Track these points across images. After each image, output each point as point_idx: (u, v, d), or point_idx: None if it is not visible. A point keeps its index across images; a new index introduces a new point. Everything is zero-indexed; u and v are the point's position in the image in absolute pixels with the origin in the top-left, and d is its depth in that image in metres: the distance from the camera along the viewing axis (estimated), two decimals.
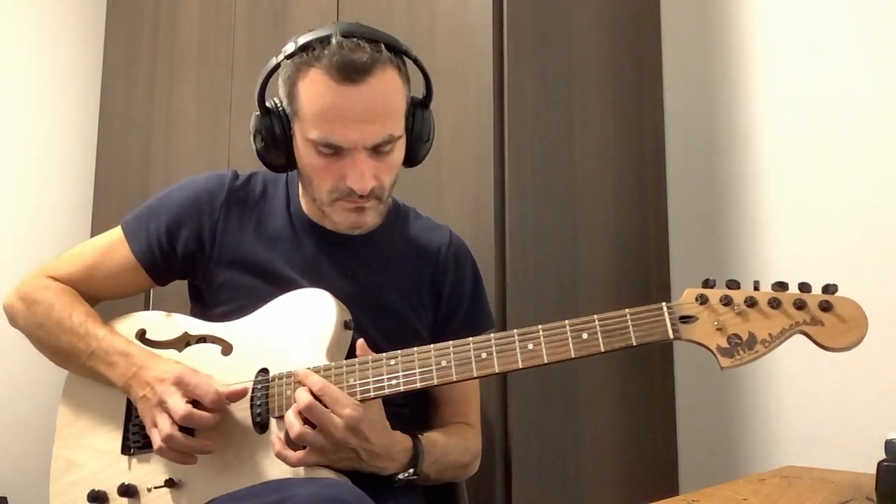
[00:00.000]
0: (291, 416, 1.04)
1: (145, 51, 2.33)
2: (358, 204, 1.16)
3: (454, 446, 1.22)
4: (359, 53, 1.08)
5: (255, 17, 2.03)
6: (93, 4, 2.60)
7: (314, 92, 1.11)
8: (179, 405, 1.06)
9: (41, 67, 2.50)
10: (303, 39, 1.12)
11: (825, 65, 1.77)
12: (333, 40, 1.09)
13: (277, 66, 1.15)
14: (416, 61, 1.18)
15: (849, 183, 1.72)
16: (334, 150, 1.12)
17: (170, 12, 2.28)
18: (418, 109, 1.20)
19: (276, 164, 1.20)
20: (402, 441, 1.12)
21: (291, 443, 1.04)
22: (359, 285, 1.23)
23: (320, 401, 1.03)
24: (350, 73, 1.08)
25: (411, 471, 1.10)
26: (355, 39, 1.10)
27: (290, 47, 1.13)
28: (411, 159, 1.23)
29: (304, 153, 1.16)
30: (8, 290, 1.28)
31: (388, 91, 1.12)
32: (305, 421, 1.03)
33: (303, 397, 1.03)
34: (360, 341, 1.11)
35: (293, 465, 1.04)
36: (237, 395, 1.09)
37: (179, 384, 1.08)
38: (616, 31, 1.85)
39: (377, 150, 1.13)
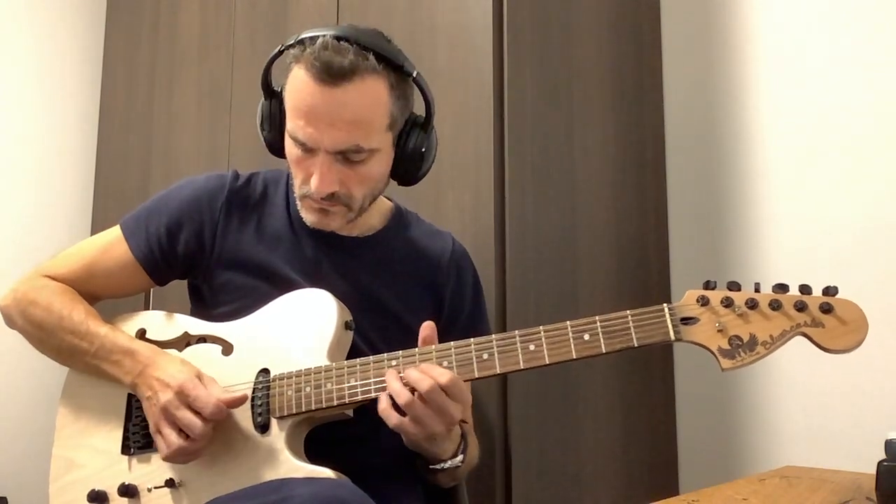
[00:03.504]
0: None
1: (145, 51, 2.33)
2: (321, 206, 1.16)
3: (475, 445, 1.24)
4: (340, 57, 1.07)
5: (255, 17, 2.03)
6: (93, 4, 2.60)
7: (294, 86, 1.12)
8: (194, 423, 1.06)
9: (41, 67, 2.50)
10: (304, 34, 1.13)
11: (825, 65, 1.77)
12: (320, 40, 1.09)
13: (279, 54, 1.16)
14: (416, 81, 1.16)
15: (849, 183, 1.72)
16: (303, 147, 1.13)
17: (170, 12, 2.28)
18: (415, 129, 1.18)
19: (275, 145, 1.20)
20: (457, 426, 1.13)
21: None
22: (358, 287, 1.23)
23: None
24: (324, 74, 1.08)
25: (461, 457, 1.12)
26: (345, 43, 1.09)
27: (291, 38, 1.15)
28: (404, 178, 1.22)
29: (286, 142, 1.17)
30: (5, 289, 1.27)
31: (364, 101, 1.10)
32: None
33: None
34: (428, 322, 1.09)
35: (393, 424, 1.03)
36: (237, 403, 1.09)
37: (181, 394, 1.08)
38: (616, 31, 1.85)
39: (346, 158, 1.12)
